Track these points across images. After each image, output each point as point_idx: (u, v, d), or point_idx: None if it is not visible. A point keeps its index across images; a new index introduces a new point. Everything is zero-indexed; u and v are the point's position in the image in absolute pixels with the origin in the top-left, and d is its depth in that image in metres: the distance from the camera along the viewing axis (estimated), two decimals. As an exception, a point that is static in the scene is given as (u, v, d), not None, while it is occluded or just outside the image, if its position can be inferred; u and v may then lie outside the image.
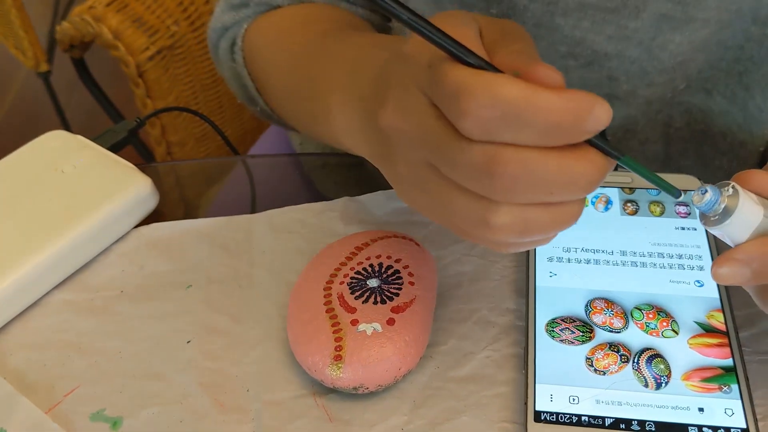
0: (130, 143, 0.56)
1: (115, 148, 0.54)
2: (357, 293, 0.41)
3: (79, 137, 0.53)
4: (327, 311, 0.40)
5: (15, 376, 0.42)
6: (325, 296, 0.41)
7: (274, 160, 0.66)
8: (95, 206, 0.48)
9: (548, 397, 0.38)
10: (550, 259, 0.44)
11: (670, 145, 0.62)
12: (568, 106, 0.28)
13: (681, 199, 0.42)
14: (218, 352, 0.42)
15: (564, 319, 0.41)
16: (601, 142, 0.29)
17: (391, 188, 0.50)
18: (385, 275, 0.41)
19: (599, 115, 0.28)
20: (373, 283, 0.41)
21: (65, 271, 0.47)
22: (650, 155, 0.61)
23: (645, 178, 0.31)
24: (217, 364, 0.41)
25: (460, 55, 0.29)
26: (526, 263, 0.44)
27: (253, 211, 0.51)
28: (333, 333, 0.39)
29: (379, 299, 0.40)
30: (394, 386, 0.40)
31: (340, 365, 0.38)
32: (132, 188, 0.49)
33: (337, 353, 0.38)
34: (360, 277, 0.41)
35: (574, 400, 0.37)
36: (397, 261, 0.42)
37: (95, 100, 1.04)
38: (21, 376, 0.42)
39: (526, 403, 0.37)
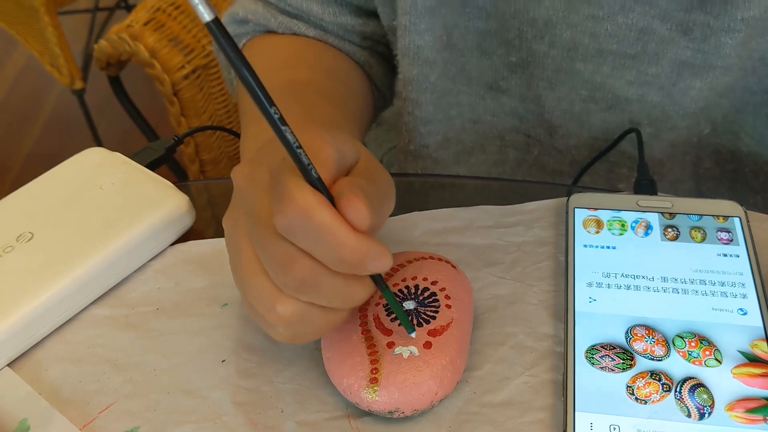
0: (167, 160, 0.56)
1: (152, 166, 0.55)
2: (393, 315, 0.40)
3: (118, 154, 0.54)
4: (362, 332, 0.40)
5: (50, 391, 0.42)
6: (360, 317, 0.40)
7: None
8: (133, 222, 0.48)
9: (588, 426, 0.37)
10: (590, 284, 0.43)
11: (701, 183, 0.62)
12: (360, 248, 0.32)
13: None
14: (253, 370, 0.42)
15: (604, 346, 0.40)
16: (375, 275, 0.36)
17: (426, 209, 0.51)
18: (421, 297, 0.41)
19: (380, 264, 0.33)
20: (409, 305, 0.41)
21: (102, 287, 0.47)
22: (684, 194, 0.61)
23: (394, 309, 0.38)
24: (251, 383, 0.41)
25: (300, 167, 0.32)
26: (564, 288, 0.44)
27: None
28: (369, 355, 0.39)
29: (415, 322, 0.40)
30: (429, 411, 0.39)
31: (375, 388, 0.37)
32: (169, 205, 0.49)
33: (373, 376, 0.38)
34: (396, 298, 0.41)
35: (614, 429, 0.37)
36: (434, 283, 0.42)
37: (130, 117, 1.06)
38: (57, 390, 0.42)
39: (565, 431, 0.37)
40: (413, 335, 0.38)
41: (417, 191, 0.56)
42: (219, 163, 1.01)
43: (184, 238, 0.51)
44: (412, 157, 0.64)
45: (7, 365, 0.44)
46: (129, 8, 2.14)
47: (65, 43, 1.66)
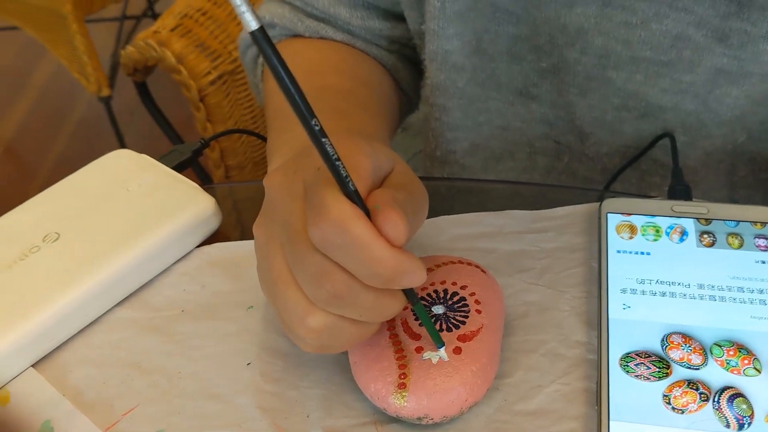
0: (193, 164, 0.56)
1: (178, 168, 0.54)
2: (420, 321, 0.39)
3: (145, 156, 0.53)
4: (390, 337, 0.39)
5: (74, 393, 0.42)
6: (387, 322, 0.40)
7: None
8: (159, 224, 0.48)
9: (623, 436, 0.36)
10: (624, 291, 0.42)
11: (736, 191, 0.60)
12: (395, 263, 0.32)
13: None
14: (278, 375, 0.41)
15: (639, 354, 0.39)
16: (408, 290, 0.35)
17: (454, 214, 0.50)
18: (450, 302, 0.40)
19: (414, 279, 0.33)
20: (438, 309, 0.40)
21: (127, 289, 0.47)
22: (718, 202, 0.60)
23: (424, 324, 0.38)
24: (276, 387, 0.41)
25: (338, 179, 0.32)
26: (598, 294, 0.42)
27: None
28: (396, 360, 0.38)
29: (444, 327, 0.39)
30: (458, 418, 0.38)
31: (404, 394, 0.37)
32: (196, 208, 0.49)
33: (402, 381, 0.37)
34: (424, 303, 0.40)
35: (650, 439, 0.35)
36: (463, 288, 0.41)
37: (156, 123, 1.06)
38: (80, 393, 0.42)
39: (599, 441, 0.36)
40: (442, 350, 0.38)
41: (443, 196, 0.55)
42: (244, 168, 1.00)
43: (210, 240, 0.50)
44: (438, 163, 0.63)
45: (32, 366, 0.43)
46: (155, 16, 2.16)
47: (93, 50, 1.67)
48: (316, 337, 0.35)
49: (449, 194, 0.56)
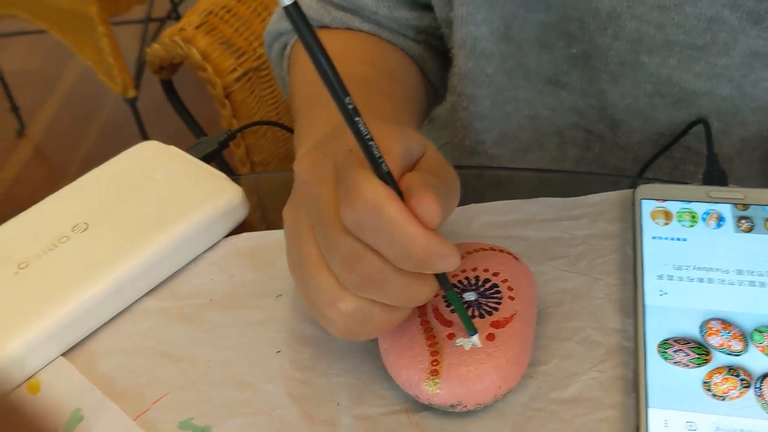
0: (219, 155, 0.56)
1: (204, 160, 0.54)
2: (452, 307, 0.39)
3: (172, 147, 0.53)
4: (421, 324, 0.38)
5: (104, 382, 0.41)
6: (418, 308, 0.39)
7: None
8: (187, 214, 0.47)
9: (662, 423, 0.35)
10: (660, 277, 0.41)
11: None
12: (428, 246, 0.31)
13: None
14: (307, 363, 0.41)
15: (677, 340, 0.38)
16: (440, 274, 0.35)
17: (484, 201, 0.49)
18: (482, 288, 0.39)
19: (448, 264, 0.32)
20: (470, 296, 0.39)
21: (156, 279, 0.46)
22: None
23: (457, 311, 0.37)
24: (306, 375, 0.40)
25: (371, 159, 0.31)
26: (633, 281, 0.42)
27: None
28: (428, 347, 0.37)
29: (477, 313, 0.38)
30: (492, 406, 0.37)
31: (436, 380, 0.36)
32: (223, 197, 0.49)
33: (434, 368, 0.36)
34: (456, 289, 0.40)
35: (691, 426, 0.34)
36: (495, 275, 0.40)
37: (182, 120, 1.06)
38: (110, 381, 0.42)
39: (638, 429, 0.35)
40: (475, 337, 0.37)
41: (472, 187, 0.54)
42: (269, 165, 1.00)
43: (237, 231, 0.50)
44: (467, 154, 0.62)
45: (62, 355, 0.43)
46: (179, 18, 2.17)
47: (119, 52, 1.69)
48: (347, 321, 0.34)
49: (478, 184, 0.55)
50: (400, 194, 0.31)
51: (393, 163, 0.32)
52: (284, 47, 0.62)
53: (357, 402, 0.39)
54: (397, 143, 0.33)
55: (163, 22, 2.23)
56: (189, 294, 0.46)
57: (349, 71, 0.53)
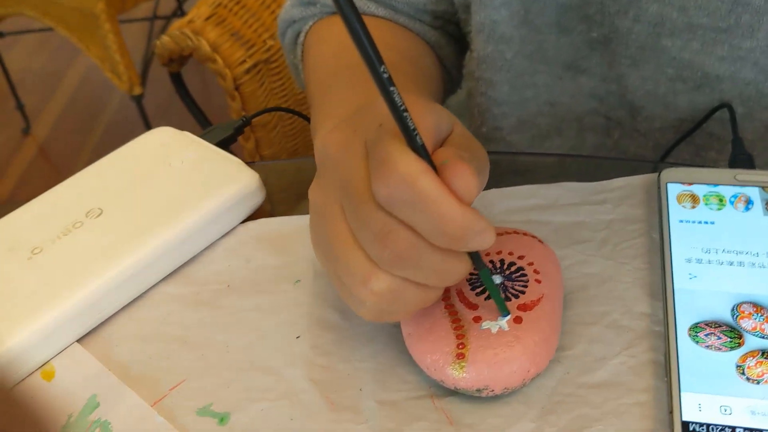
0: (234, 142, 0.55)
1: (219, 146, 0.53)
2: (478, 289, 0.38)
3: (186, 133, 0.52)
4: (446, 307, 0.37)
5: (120, 368, 0.41)
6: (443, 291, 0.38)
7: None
8: (203, 200, 0.47)
9: (696, 407, 0.34)
10: (689, 261, 0.40)
11: None
12: (464, 221, 0.30)
13: None
14: (328, 348, 0.40)
15: (708, 324, 0.37)
16: (474, 253, 0.34)
17: (505, 186, 0.48)
18: (508, 272, 0.39)
19: (483, 240, 0.31)
20: (495, 279, 0.38)
21: (172, 265, 0.45)
22: None
23: (490, 291, 0.36)
24: (327, 360, 0.39)
25: (405, 131, 0.30)
26: (661, 264, 0.41)
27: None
28: (454, 330, 0.36)
29: (503, 296, 0.37)
30: (519, 391, 0.36)
31: (462, 364, 0.35)
32: (239, 183, 0.48)
33: (460, 351, 0.35)
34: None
35: (726, 410, 0.33)
36: (521, 258, 0.39)
37: (190, 113, 1.05)
38: (126, 368, 0.41)
39: (671, 413, 0.34)
40: (503, 320, 0.36)
41: (489, 174, 0.53)
42: (278, 159, 1.00)
43: (252, 217, 0.49)
44: (484, 141, 0.61)
45: (76, 341, 0.42)
46: (185, 16, 2.17)
47: (125, 49, 1.68)
48: (378, 301, 0.33)
49: (495, 171, 0.54)
50: (434, 168, 0.31)
51: (426, 137, 0.31)
52: (297, 35, 0.61)
53: (380, 387, 0.38)
54: (428, 117, 0.32)
55: (168, 20, 2.22)
56: (205, 280, 0.45)
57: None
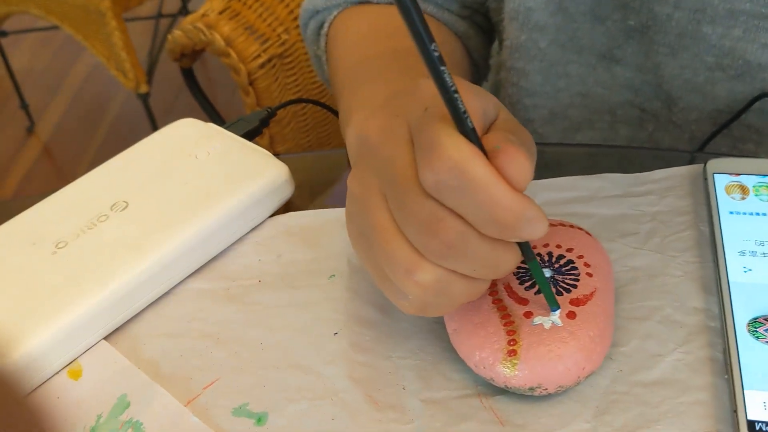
0: (260, 134, 0.53)
1: (245, 138, 0.52)
2: (527, 284, 0.36)
3: (211, 125, 0.51)
4: (494, 302, 0.36)
5: (150, 367, 0.39)
6: (489, 286, 0.36)
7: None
8: (231, 192, 0.45)
9: (761, 405, 0.32)
10: (742, 253, 0.39)
11: None
12: (516, 208, 0.29)
13: None
14: (368, 345, 0.38)
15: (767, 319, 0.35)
16: (524, 243, 0.32)
17: (542, 178, 0.46)
18: (557, 265, 0.37)
19: (536, 229, 0.30)
20: (545, 273, 0.37)
21: (200, 259, 0.44)
22: None
23: (540, 284, 0.34)
24: (367, 358, 0.38)
25: (455, 114, 0.29)
26: (714, 258, 0.39)
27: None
28: (504, 326, 0.35)
29: (554, 290, 0.36)
30: (572, 389, 0.35)
31: (515, 362, 0.33)
32: (268, 175, 0.46)
33: (511, 348, 0.34)
34: (527, 266, 0.37)
35: (794, 409, 0.32)
36: (569, 250, 0.38)
37: (201, 109, 1.04)
38: (156, 366, 0.39)
39: (735, 412, 0.32)
40: (555, 315, 0.34)
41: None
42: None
43: (281, 212, 0.47)
44: (513, 134, 0.60)
45: (103, 339, 0.41)
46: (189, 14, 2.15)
47: (131, 46, 1.67)
48: (423, 293, 0.32)
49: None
50: (485, 154, 0.29)
51: (474, 121, 0.30)
52: (321, 25, 0.60)
53: (424, 385, 0.36)
54: (476, 100, 0.31)
55: (174, 18, 2.21)
56: (235, 275, 0.43)
57: (397, 44, 0.51)
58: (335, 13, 0.58)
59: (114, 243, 0.43)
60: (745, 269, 0.38)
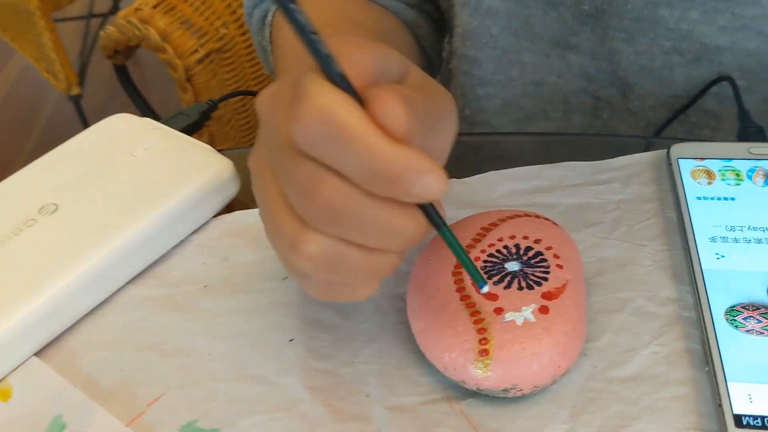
0: (200, 128, 0.50)
1: (185, 133, 0.48)
2: (495, 278, 0.34)
3: (148, 120, 0.47)
4: (461, 299, 0.33)
5: (88, 383, 0.36)
6: (455, 282, 0.34)
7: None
8: (171, 191, 0.42)
9: (746, 398, 0.31)
10: (713, 240, 0.37)
11: None
12: (396, 157, 0.26)
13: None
14: (327, 351, 0.35)
15: (745, 307, 0.34)
16: (428, 207, 0.28)
17: (503, 168, 0.44)
18: (526, 257, 0.35)
19: (429, 183, 0.26)
20: (513, 266, 0.34)
21: (139, 264, 0.40)
22: None
23: (456, 256, 0.30)
24: (327, 365, 0.35)
25: (317, 58, 0.26)
26: (684, 245, 0.37)
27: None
28: (473, 324, 0.32)
29: (524, 284, 0.33)
30: (546, 389, 0.33)
31: (486, 362, 0.31)
32: (211, 171, 0.43)
33: (483, 347, 0.31)
34: (495, 260, 0.35)
35: (779, 400, 0.30)
36: (537, 242, 0.36)
37: (135, 107, 0.99)
38: (95, 382, 0.36)
39: (720, 406, 0.30)
40: (486, 289, 0.31)
41: (470, 160, 0.49)
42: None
43: (226, 210, 0.44)
44: (466, 124, 0.58)
45: (34, 355, 0.37)
46: (124, 14, 2.08)
47: (61, 47, 1.60)
48: (316, 267, 0.28)
49: (477, 156, 0.51)
50: (361, 102, 0.26)
51: (358, 73, 0.27)
52: (265, 15, 0.57)
53: (390, 392, 0.33)
54: (364, 55, 0.28)
55: (105, 17, 2.13)
56: (179, 280, 0.40)
57: (337, 31, 0.48)
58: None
59: (44, 249, 0.39)
60: (718, 256, 0.36)
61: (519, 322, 0.32)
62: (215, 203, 0.43)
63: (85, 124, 1.80)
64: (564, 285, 0.33)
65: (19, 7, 1.56)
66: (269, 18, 0.56)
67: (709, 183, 0.40)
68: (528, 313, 0.32)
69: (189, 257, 0.41)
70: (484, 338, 0.32)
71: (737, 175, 0.40)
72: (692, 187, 0.40)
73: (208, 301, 0.39)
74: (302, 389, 0.34)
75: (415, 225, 0.28)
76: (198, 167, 0.43)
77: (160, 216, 0.41)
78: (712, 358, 0.32)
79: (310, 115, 0.25)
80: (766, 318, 0.33)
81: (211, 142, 0.94)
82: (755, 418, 0.30)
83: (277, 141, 0.28)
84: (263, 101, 0.30)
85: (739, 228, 0.38)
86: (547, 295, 0.33)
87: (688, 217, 0.38)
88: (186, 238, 0.42)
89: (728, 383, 0.31)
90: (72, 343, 0.38)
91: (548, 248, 0.35)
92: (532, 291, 0.33)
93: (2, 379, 0.36)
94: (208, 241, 0.42)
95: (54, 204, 0.41)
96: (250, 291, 0.39)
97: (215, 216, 0.44)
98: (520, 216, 0.38)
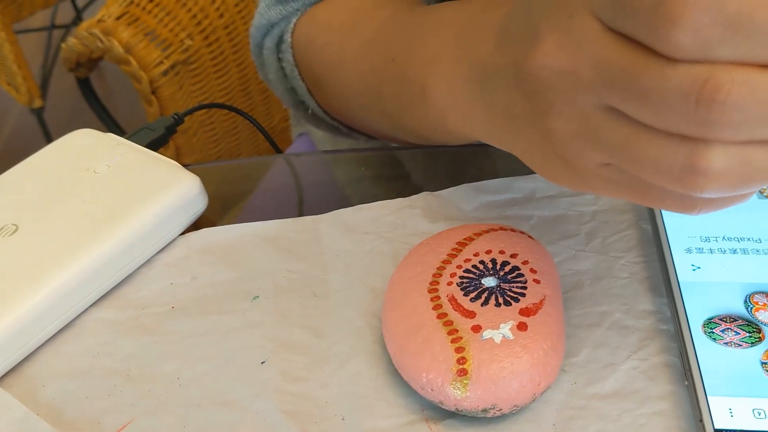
0: (166, 143, 0.48)
1: (149, 148, 0.47)
2: (472, 295, 0.33)
3: (111, 135, 0.46)
4: (438, 317, 0.33)
5: (50, 412, 0.34)
6: (432, 299, 0.33)
7: (316, 158, 0.59)
8: (136, 209, 0.40)
9: (727, 412, 0.30)
10: (689, 251, 0.37)
11: None
12: None
13: None
14: (301, 373, 0.34)
15: (723, 319, 0.34)
16: None
17: (478, 180, 0.44)
18: (502, 273, 0.34)
19: None
20: (489, 282, 0.34)
21: (103, 286, 0.39)
22: None
23: None
24: (301, 388, 0.34)
25: None
26: (660, 257, 0.37)
27: (300, 214, 0.44)
28: (451, 342, 0.31)
29: (501, 301, 0.33)
30: (527, 407, 0.32)
31: (465, 382, 0.30)
32: (177, 188, 0.42)
33: (461, 367, 0.31)
34: (471, 275, 0.34)
35: (759, 414, 0.30)
36: (513, 256, 0.35)
37: (100, 120, 0.97)
38: (58, 410, 0.34)
39: (701, 421, 0.30)
40: (506, 328, 0.31)
41: (449, 174, 0.49)
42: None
43: (193, 228, 0.43)
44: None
45: (-7, 384, 0.35)
46: (86, 25, 2.05)
47: (23, 59, 1.57)
48: (723, 182, 0.24)
49: (452, 163, 0.50)
50: None
51: None
52: (280, 38, 0.53)
53: (366, 414, 0.33)
54: None
55: (68, 29, 2.10)
56: (145, 302, 0.39)
57: (390, 10, 0.45)
58: (294, 20, 0.52)
59: (2, 272, 0.38)
60: (694, 267, 0.36)
61: (497, 339, 0.31)
62: (182, 221, 0.42)
63: (48, 137, 1.76)
64: (542, 300, 0.33)
65: (-22, 18, 1.52)
66: (287, 40, 0.52)
67: (683, 193, 0.40)
68: (506, 330, 0.31)
69: (156, 277, 0.40)
70: (463, 357, 0.31)
71: (710, 184, 0.40)
72: (666, 197, 0.40)
73: (177, 323, 0.38)
74: (276, 413, 0.33)
75: None
76: (164, 184, 0.42)
77: (125, 235, 0.40)
78: (691, 373, 0.32)
79: (700, 6, 0.21)
80: (743, 330, 0.33)
81: (177, 156, 0.93)
82: (737, 433, 0.29)
83: (615, 76, 0.24)
84: (553, 60, 0.26)
85: (714, 239, 0.37)
86: (525, 311, 0.32)
87: (663, 228, 0.38)
88: (152, 257, 0.41)
89: (708, 398, 0.31)
90: (33, 370, 0.36)
91: (525, 262, 0.35)
92: (509, 307, 0.32)
93: (-41, 411, 0.34)
94: (175, 260, 0.41)
95: (14, 224, 0.40)
96: (221, 312, 0.38)
97: (182, 234, 0.42)
98: (495, 230, 0.37)
